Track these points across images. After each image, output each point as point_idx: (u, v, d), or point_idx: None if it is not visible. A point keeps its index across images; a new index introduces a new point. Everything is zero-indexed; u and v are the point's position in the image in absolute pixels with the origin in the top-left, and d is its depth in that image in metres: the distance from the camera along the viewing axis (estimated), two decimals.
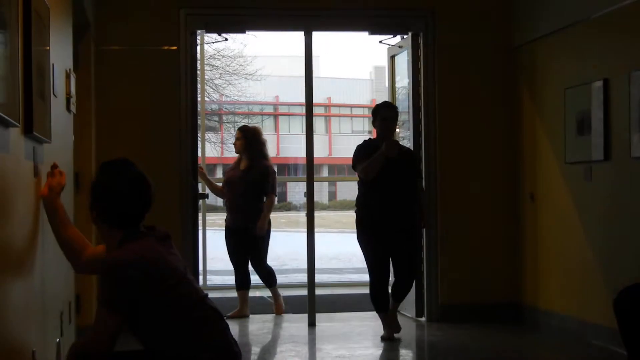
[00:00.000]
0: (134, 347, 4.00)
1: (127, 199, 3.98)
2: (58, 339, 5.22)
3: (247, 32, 9.13)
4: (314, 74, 8.90)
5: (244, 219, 9.26)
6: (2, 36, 3.52)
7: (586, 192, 7.73)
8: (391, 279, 8.00)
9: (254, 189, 9.27)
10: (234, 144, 9.56)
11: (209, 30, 9.01)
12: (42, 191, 4.48)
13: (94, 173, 4.08)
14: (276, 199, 9.57)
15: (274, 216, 9.87)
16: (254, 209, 9.27)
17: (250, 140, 9.33)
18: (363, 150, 7.88)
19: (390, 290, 8.00)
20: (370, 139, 8.12)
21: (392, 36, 9.36)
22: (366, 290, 10.36)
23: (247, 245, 9.32)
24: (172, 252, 3.99)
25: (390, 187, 7.73)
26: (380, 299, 7.90)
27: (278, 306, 9.42)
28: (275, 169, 9.68)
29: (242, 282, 9.26)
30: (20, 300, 4.01)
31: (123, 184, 3.99)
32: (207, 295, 4.06)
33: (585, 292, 7.76)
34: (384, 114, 7.90)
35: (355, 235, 8.04)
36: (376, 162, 7.69)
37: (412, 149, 8.62)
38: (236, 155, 9.53)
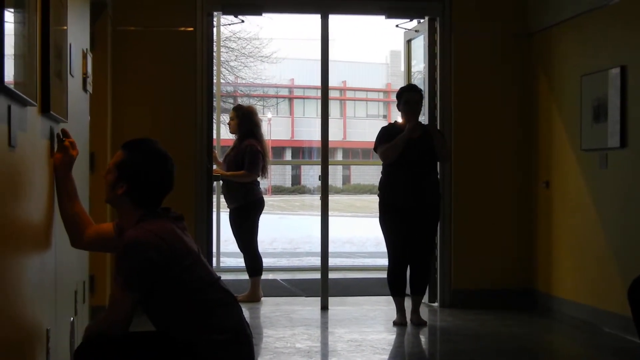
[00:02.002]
0: (149, 328, 4.02)
1: (162, 179, 4.03)
2: (72, 318, 5.24)
3: (263, 15, 9.10)
4: (330, 57, 8.89)
5: (228, 200, 9.23)
6: (20, 15, 3.53)
7: (602, 179, 7.71)
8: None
9: (235, 169, 9.09)
10: (228, 123, 9.37)
11: (226, 12, 8.99)
12: (55, 158, 4.44)
13: (120, 152, 4.06)
14: (251, 174, 9.01)
15: (288, 199, 9.84)
16: (234, 190, 9.12)
17: (240, 120, 9.18)
18: (386, 133, 7.89)
19: (408, 287, 8.00)
20: (396, 122, 8.11)
21: (408, 20, 9.34)
22: (379, 275, 10.42)
23: (232, 225, 9.21)
24: (186, 234, 4.01)
25: (413, 168, 7.72)
26: (397, 283, 7.90)
27: (249, 294, 9.07)
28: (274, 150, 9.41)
29: (249, 267, 9.18)
30: (35, 279, 4.03)
31: (160, 163, 4.04)
32: (219, 277, 4.08)
33: (599, 279, 7.75)
34: (406, 97, 7.89)
35: (368, 219, 8.07)
36: (397, 145, 7.71)
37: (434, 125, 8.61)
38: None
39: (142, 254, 3.77)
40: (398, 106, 7.99)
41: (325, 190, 8.88)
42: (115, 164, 4.03)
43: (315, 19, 8.97)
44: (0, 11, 3.11)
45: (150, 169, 4.00)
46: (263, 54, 29.73)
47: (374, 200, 7.91)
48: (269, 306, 8.81)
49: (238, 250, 9.37)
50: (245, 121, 9.15)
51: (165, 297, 3.85)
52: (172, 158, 4.10)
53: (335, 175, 50.35)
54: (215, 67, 9.68)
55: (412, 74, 9.74)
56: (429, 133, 7.86)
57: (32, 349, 3.98)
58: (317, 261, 10.17)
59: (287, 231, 20.30)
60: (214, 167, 9.00)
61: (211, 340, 3.85)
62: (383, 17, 9.07)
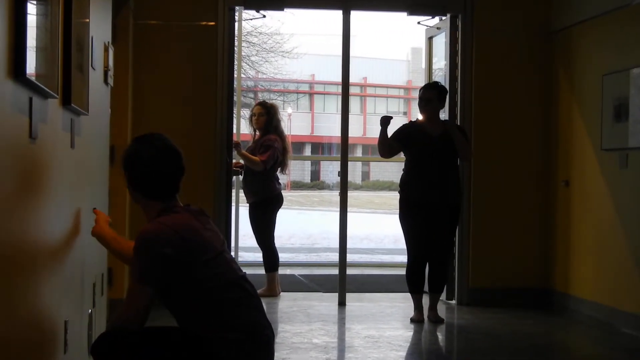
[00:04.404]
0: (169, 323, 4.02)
1: (153, 168, 3.99)
2: (90, 310, 5.26)
3: (285, 10, 9.09)
4: (351, 53, 8.88)
5: (247, 194, 9.22)
6: (43, 8, 3.55)
7: (622, 179, 7.68)
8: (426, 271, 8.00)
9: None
10: (257, 120, 9.20)
11: (248, 6, 8.97)
12: (93, 229, 4.48)
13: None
14: (263, 164, 8.89)
15: (307, 194, 9.83)
16: (252, 185, 9.10)
17: (269, 116, 9.13)
18: (400, 131, 7.92)
19: (426, 284, 7.99)
20: (417, 119, 8.11)
21: (430, 17, 9.32)
22: (397, 272, 10.42)
23: (250, 220, 9.21)
24: (208, 228, 4.00)
25: (434, 166, 7.72)
26: (415, 280, 7.89)
27: (267, 290, 9.07)
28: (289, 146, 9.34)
29: (265, 263, 9.18)
30: (54, 271, 4.05)
31: (147, 153, 4.01)
32: (244, 275, 4.05)
33: (618, 279, 7.72)
34: (420, 94, 7.94)
35: (387, 215, 8.07)
36: (378, 139, 7.90)
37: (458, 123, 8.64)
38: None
39: (156, 248, 3.77)
40: None
41: (344, 186, 8.88)
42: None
43: (337, 14, 8.96)
44: (23, 3, 3.13)
45: (142, 159, 4.00)
46: (284, 49, 29.75)
47: (393, 196, 7.93)
48: (287, 301, 8.82)
49: (256, 245, 9.38)
50: (272, 117, 9.15)
51: (181, 292, 3.85)
52: (186, 153, 4.06)
53: (355, 172, 50.33)
54: (236, 62, 9.68)
55: (433, 71, 9.73)
56: (450, 129, 7.86)
57: (51, 340, 4.00)
58: (335, 257, 10.16)
59: (305, 226, 20.28)
60: (234, 160, 9.00)
61: (226, 338, 3.83)
62: (405, 14, 9.05)
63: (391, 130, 7.94)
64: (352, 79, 9.59)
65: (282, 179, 9.78)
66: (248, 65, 27.98)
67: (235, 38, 9.20)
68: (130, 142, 4.13)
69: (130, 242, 4.37)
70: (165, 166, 4.02)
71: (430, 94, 7.87)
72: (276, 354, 6.17)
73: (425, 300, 7.97)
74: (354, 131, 47.08)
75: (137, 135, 4.21)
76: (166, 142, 4.05)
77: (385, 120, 7.83)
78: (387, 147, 7.90)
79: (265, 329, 3.99)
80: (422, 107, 7.88)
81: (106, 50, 5.89)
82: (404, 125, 8.05)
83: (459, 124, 8.75)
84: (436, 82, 8.34)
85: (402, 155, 8.05)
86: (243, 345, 3.86)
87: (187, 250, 3.81)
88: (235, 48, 9.13)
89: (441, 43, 9.34)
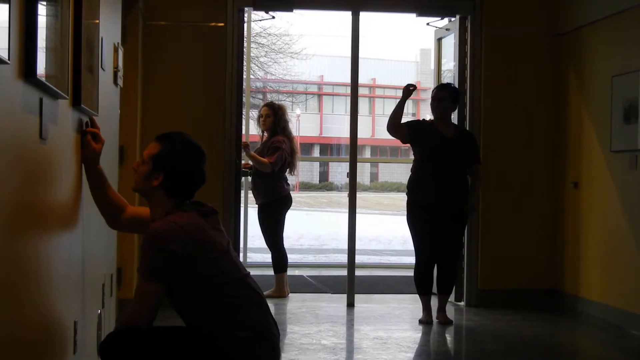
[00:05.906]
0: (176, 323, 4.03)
1: (197, 170, 4.07)
2: (99, 311, 5.27)
3: (294, 11, 9.09)
4: (360, 55, 8.88)
5: (256, 196, 9.22)
6: (53, 9, 3.55)
7: (631, 181, 7.67)
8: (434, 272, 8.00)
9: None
10: (264, 121, 9.21)
11: (257, 7, 8.97)
12: (82, 153, 4.46)
13: (155, 144, 4.09)
14: (272, 165, 8.90)
15: (315, 196, 9.82)
16: (261, 186, 9.11)
17: (276, 117, 9.15)
18: (411, 122, 7.92)
19: (435, 285, 7.99)
20: (424, 118, 8.12)
21: (439, 19, 9.32)
22: (405, 273, 10.41)
23: (259, 221, 9.22)
24: (215, 227, 4.01)
25: (442, 167, 7.72)
26: (424, 282, 7.89)
27: (275, 290, 9.09)
28: (296, 147, 9.34)
29: (274, 264, 9.18)
30: (63, 271, 4.05)
31: (196, 155, 4.09)
32: (249, 273, 4.07)
33: (627, 281, 7.71)
34: (433, 94, 7.96)
35: (395, 217, 8.06)
36: (394, 109, 7.81)
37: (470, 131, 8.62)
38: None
39: (164, 246, 3.78)
40: None
41: (353, 188, 8.87)
42: (151, 155, 4.05)
43: (346, 15, 8.96)
44: (33, 4, 3.13)
45: (187, 160, 4.05)
46: (293, 50, 29.78)
47: (401, 198, 7.93)
48: (295, 302, 8.82)
49: (265, 246, 9.38)
50: (280, 118, 9.15)
51: (188, 290, 3.86)
52: (203, 152, 4.15)
53: (363, 173, 50.32)
54: (245, 63, 9.68)
55: (442, 72, 9.72)
56: (460, 134, 7.88)
57: (60, 340, 4.01)
58: (343, 258, 10.17)
59: (314, 228, 20.28)
60: (243, 161, 9.01)
61: (234, 336, 3.85)
62: (414, 15, 9.06)
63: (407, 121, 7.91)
64: (361, 80, 9.59)
65: (291, 180, 9.77)
66: (257, 66, 28.02)
67: (244, 39, 9.20)
68: (169, 137, 4.12)
69: (113, 190, 4.47)
70: (203, 169, 4.10)
71: (443, 94, 7.89)
72: (285, 355, 6.19)
73: (434, 302, 7.98)
74: (363, 132, 47.11)
75: (148, 134, 4.22)
76: (198, 144, 4.15)
77: (408, 91, 7.78)
78: (399, 121, 7.81)
79: (272, 328, 4.01)
80: (435, 106, 7.89)
81: (116, 51, 5.90)
82: (418, 120, 8.06)
83: (467, 125, 8.75)
84: (449, 83, 8.35)
85: (410, 156, 8.04)
86: (250, 343, 3.87)
87: (194, 247, 3.83)
88: (244, 49, 9.12)
89: (450, 44, 9.33)
